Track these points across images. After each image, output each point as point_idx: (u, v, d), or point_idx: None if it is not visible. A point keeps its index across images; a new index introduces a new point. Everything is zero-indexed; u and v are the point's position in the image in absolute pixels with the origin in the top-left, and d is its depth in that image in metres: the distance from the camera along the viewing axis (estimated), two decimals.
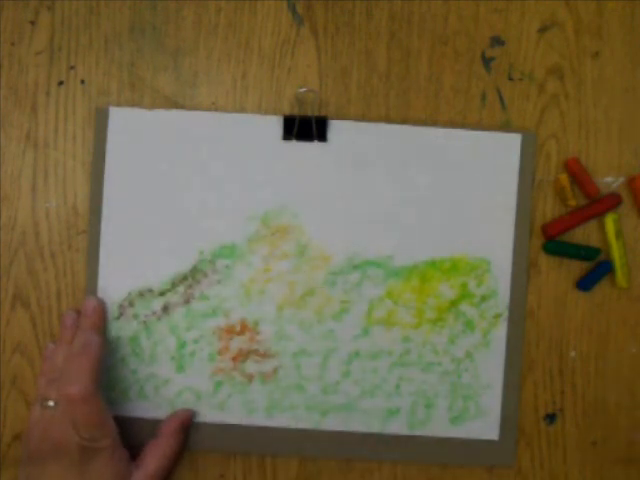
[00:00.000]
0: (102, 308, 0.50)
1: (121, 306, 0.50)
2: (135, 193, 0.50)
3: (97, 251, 0.50)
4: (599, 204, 0.51)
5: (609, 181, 0.52)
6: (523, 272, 0.51)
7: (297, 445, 0.51)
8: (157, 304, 0.50)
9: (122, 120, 0.50)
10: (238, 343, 0.50)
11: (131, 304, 0.50)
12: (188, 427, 0.50)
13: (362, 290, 0.51)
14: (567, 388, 0.52)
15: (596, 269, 0.51)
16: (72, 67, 0.51)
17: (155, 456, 0.48)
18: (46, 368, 0.49)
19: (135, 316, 0.50)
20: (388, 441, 0.50)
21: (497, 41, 0.52)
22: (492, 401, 0.51)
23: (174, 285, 0.50)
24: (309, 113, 0.51)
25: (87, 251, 0.50)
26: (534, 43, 0.52)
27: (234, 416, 0.50)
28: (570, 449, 0.52)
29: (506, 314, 0.51)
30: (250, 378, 0.50)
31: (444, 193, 0.51)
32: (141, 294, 0.50)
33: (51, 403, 0.46)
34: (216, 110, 0.51)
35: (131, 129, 0.50)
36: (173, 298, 0.50)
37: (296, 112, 0.51)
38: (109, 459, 0.45)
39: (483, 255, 0.51)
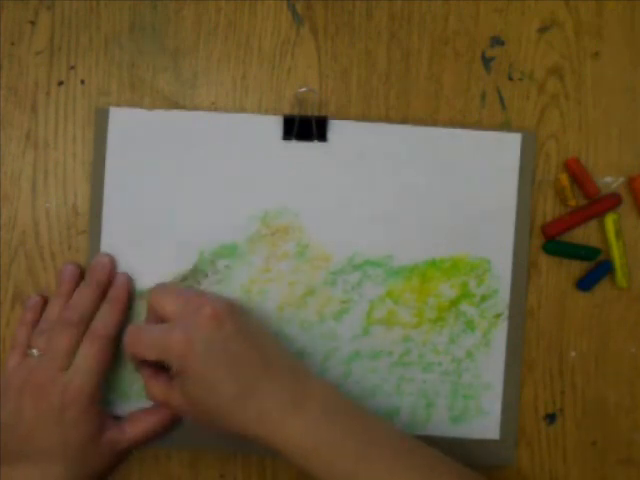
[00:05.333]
0: (130, 283, 0.49)
1: None
2: (135, 193, 0.50)
3: (97, 251, 0.50)
4: (599, 204, 0.51)
5: (609, 181, 0.52)
6: (523, 272, 0.51)
7: None
8: None
9: (122, 120, 0.50)
10: None
11: (131, 304, 0.50)
12: (178, 421, 0.49)
13: (362, 290, 0.51)
14: (567, 388, 0.52)
15: (596, 269, 0.51)
16: (72, 67, 0.51)
17: (139, 426, 0.47)
18: (31, 318, 0.48)
19: (136, 316, 0.50)
20: None
21: (497, 41, 0.52)
22: (492, 401, 0.51)
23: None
24: (309, 113, 0.51)
25: (87, 251, 0.50)
26: (534, 43, 0.52)
27: None
28: (570, 449, 0.52)
29: (506, 314, 0.51)
30: None
31: (444, 193, 0.51)
32: (141, 294, 0.50)
33: (35, 352, 0.46)
34: (216, 110, 0.51)
35: (131, 129, 0.50)
36: None
37: (296, 112, 0.51)
38: (87, 407, 0.45)
39: (483, 255, 0.51)
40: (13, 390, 0.46)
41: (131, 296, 0.49)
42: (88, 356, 0.46)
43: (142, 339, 0.44)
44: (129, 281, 0.49)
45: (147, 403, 0.50)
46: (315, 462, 0.41)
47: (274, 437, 0.42)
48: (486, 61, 0.52)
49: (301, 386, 0.43)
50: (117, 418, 0.48)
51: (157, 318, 0.46)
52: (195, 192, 0.50)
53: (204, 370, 0.42)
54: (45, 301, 0.49)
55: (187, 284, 0.50)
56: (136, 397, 0.50)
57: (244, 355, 0.43)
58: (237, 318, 0.44)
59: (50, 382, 0.45)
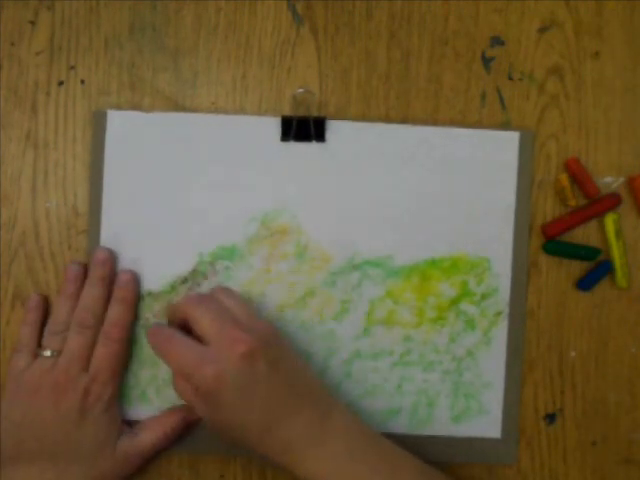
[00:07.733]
0: (136, 280, 0.49)
1: None
2: (134, 195, 0.50)
3: None
4: (599, 204, 0.51)
5: (609, 181, 0.52)
6: (523, 269, 0.51)
7: None
8: (157, 306, 0.50)
9: (120, 123, 0.50)
10: None
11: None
12: (191, 427, 0.50)
13: (362, 290, 0.51)
14: (567, 388, 0.52)
15: (596, 269, 0.51)
16: (72, 67, 0.51)
17: (152, 432, 0.48)
18: (34, 317, 0.48)
19: (136, 318, 0.50)
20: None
21: (497, 41, 0.52)
22: (494, 399, 0.51)
23: (174, 287, 0.50)
24: (309, 113, 0.51)
25: (87, 253, 0.50)
26: (534, 43, 0.52)
27: None
28: (570, 449, 0.52)
29: (506, 312, 0.51)
30: None
31: (443, 192, 0.51)
32: (141, 297, 0.50)
33: (48, 352, 0.46)
34: (216, 110, 0.51)
35: (129, 132, 0.50)
36: (173, 300, 0.50)
37: (296, 112, 0.51)
38: (106, 411, 0.46)
39: (483, 253, 0.51)
40: (28, 390, 0.46)
41: (137, 293, 0.49)
42: (106, 359, 0.46)
43: (173, 351, 0.44)
44: (135, 278, 0.49)
45: (148, 405, 0.50)
46: None
47: (298, 468, 0.43)
48: (486, 61, 0.52)
49: (326, 420, 0.44)
50: (129, 423, 0.49)
51: (181, 323, 0.46)
52: (193, 194, 0.50)
53: (232, 405, 0.42)
54: (46, 300, 0.49)
55: (187, 286, 0.50)
56: (137, 400, 0.50)
57: (273, 392, 0.43)
58: (271, 355, 0.43)
59: (71, 383, 0.45)
